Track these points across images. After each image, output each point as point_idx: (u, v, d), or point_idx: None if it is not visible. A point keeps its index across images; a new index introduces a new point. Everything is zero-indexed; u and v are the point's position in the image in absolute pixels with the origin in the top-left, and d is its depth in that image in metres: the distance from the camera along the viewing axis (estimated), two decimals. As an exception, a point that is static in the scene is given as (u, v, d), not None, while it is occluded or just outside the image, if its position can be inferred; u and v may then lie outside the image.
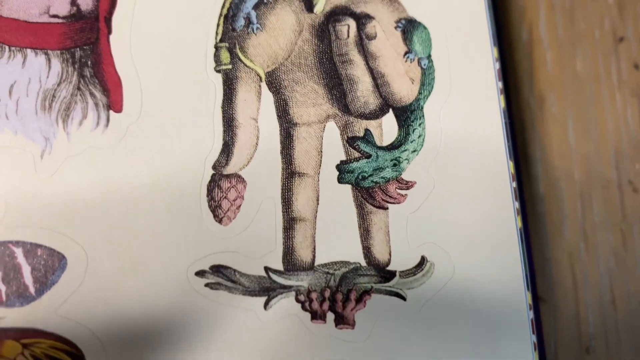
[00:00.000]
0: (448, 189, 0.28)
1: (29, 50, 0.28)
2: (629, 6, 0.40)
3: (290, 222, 0.27)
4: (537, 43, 0.39)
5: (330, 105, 0.29)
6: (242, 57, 0.29)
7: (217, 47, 0.29)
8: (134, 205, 0.26)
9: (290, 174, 0.28)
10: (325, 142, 0.28)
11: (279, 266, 0.27)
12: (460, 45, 0.30)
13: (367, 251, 0.27)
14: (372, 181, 0.28)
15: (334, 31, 0.30)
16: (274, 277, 0.26)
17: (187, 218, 0.26)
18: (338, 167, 0.28)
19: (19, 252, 0.26)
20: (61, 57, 0.28)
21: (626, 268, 0.36)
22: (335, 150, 0.28)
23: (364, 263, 0.27)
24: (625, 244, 0.36)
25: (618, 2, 0.40)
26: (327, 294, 0.27)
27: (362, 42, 0.29)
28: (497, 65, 0.30)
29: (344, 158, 0.28)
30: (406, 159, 0.28)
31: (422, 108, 0.29)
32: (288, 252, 0.27)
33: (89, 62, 0.28)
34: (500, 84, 0.30)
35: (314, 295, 0.26)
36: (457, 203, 0.28)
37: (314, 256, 0.27)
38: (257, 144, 0.28)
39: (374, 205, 0.28)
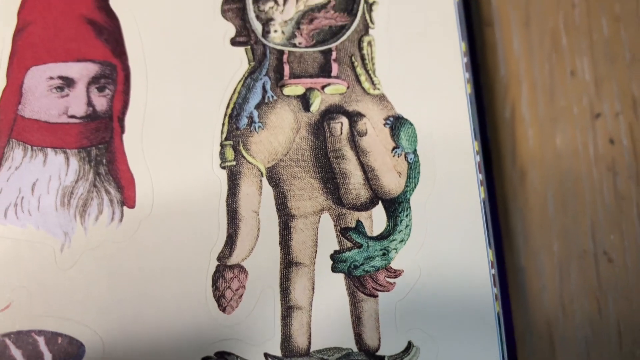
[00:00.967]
0: (432, 277, 0.30)
1: (49, 150, 0.31)
2: (605, 83, 0.43)
3: (287, 310, 0.30)
4: (519, 120, 0.42)
5: (325, 198, 0.32)
6: (245, 154, 0.32)
7: (222, 145, 0.32)
8: (145, 296, 0.29)
9: (287, 263, 0.30)
10: (320, 233, 0.31)
11: (278, 352, 0.29)
12: (444, 140, 0.32)
13: (358, 337, 0.30)
14: (363, 270, 0.31)
15: (329, 128, 0.32)
16: (273, 363, 0.29)
17: (194, 308, 0.29)
18: (332, 256, 0.31)
19: (41, 341, 0.28)
20: (78, 155, 0.31)
21: (601, 335, 0.38)
22: (329, 240, 0.31)
23: (355, 349, 0.30)
24: (600, 312, 0.39)
25: (595, 80, 0.43)
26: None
27: (354, 138, 0.32)
28: (478, 159, 0.33)
29: (337, 248, 0.31)
30: (394, 249, 0.31)
31: (408, 200, 0.32)
32: (286, 339, 0.29)
33: (104, 160, 0.31)
34: (480, 176, 0.32)
35: (310, 379, 0.29)
36: (441, 290, 0.30)
37: (309, 343, 0.30)
38: (257, 235, 0.31)
39: (365, 293, 0.30)
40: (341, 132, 0.32)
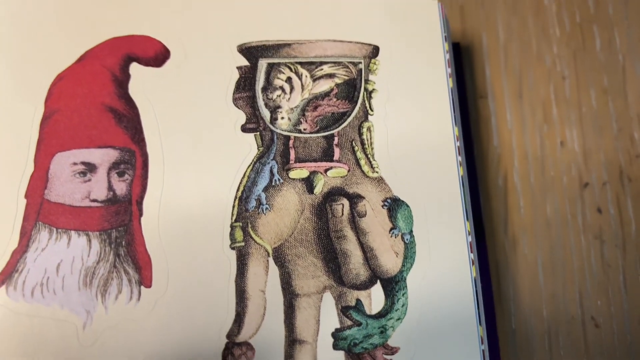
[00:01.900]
0: (425, 354, 0.33)
1: (73, 232, 0.33)
2: (593, 154, 0.45)
3: (292, 386, 0.32)
4: (511, 189, 0.45)
5: (327, 277, 0.34)
6: (253, 235, 0.34)
7: (232, 227, 0.34)
8: (161, 373, 0.32)
9: (292, 341, 0.33)
10: (321, 312, 0.33)
11: None
12: (438, 221, 0.35)
13: (358, 412, 0.32)
14: (362, 347, 0.33)
15: (331, 210, 0.35)
16: None
17: (205, 384, 0.31)
18: (333, 334, 0.33)
19: (64, 414, 0.31)
20: (100, 237, 0.34)
21: (589, 398, 0.40)
22: (330, 318, 0.33)
23: None
24: (588, 375, 0.41)
25: (583, 150, 0.45)
26: None
27: (354, 219, 0.35)
28: (470, 239, 0.35)
29: (338, 326, 0.33)
30: (391, 327, 0.33)
31: (405, 279, 0.34)
32: (291, 414, 0.32)
33: (123, 242, 0.34)
34: (472, 255, 0.35)
35: None
36: (434, 366, 0.33)
37: (312, 419, 0.32)
38: (264, 314, 0.33)
39: (364, 370, 0.33)
40: (342, 213, 0.35)
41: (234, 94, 0.36)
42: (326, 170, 0.36)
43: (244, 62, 0.37)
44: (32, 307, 0.32)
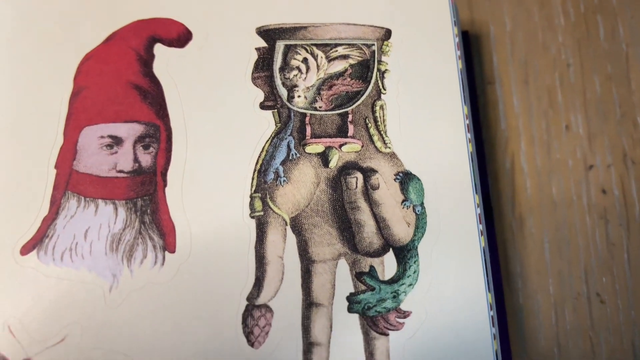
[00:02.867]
0: (437, 318, 0.34)
1: (100, 201, 0.35)
2: (597, 137, 0.47)
3: (308, 346, 0.34)
4: (518, 171, 0.46)
5: (341, 245, 0.36)
6: (271, 205, 0.36)
7: (252, 197, 0.36)
8: (183, 332, 0.33)
9: (309, 304, 0.34)
10: (337, 277, 0.35)
11: (300, 384, 0.33)
12: (448, 194, 0.37)
13: (371, 372, 0.34)
14: (375, 310, 0.34)
15: (345, 182, 0.37)
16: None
17: (225, 342, 0.33)
18: (348, 298, 0.35)
19: (91, 371, 0.32)
20: (126, 206, 0.35)
21: (594, 371, 0.42)
22: (345, 283, 0.35)
23: (369, 382, 0.33)
24: (593, 349, 0.42)
25: (588, 134, 0.47)
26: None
27: (368, 191, 0.36)
28: (479, 210, 0.37)
29: (352, 290, 0.35)
30: (404, 292, 0.35)
31: (416, 248, 0.36)
32: (307, 373, 0.33)
33: (148, 210, 0.35)
34: (480, 227, 0.36)
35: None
36: (444, 330, 0.34)
37: (328, 376, 0.33)
38: (282, 278, 0.35)
39: (377, 332, 0.34)
40: (356, 186, 0.36)
41: (252, 73, 0.38)
42: (341, 146, 0.37)
43: (262, 43, 0.39)
44: (62, 270, 0.34)
